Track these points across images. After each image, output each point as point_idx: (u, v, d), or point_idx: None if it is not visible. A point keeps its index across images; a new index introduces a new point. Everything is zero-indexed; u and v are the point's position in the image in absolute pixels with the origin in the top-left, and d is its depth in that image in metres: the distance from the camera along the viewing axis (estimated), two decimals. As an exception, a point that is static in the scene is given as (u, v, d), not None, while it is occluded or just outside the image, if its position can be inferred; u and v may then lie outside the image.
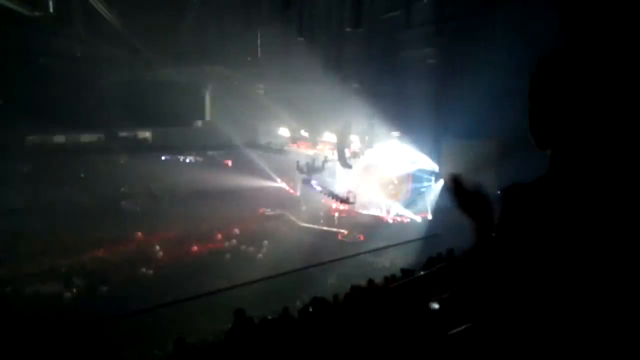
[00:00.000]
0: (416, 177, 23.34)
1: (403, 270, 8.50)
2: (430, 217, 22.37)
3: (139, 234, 22.60)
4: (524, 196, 1.20)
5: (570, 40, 1.16)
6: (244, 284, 13.66)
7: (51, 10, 13.57)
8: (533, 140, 1.27)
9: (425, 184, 23.11)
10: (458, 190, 1.52)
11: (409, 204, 23.56)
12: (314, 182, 23.15)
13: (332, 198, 23.79)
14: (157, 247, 20.98)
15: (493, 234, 1.42)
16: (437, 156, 21.92)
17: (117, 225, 23.60)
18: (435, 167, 22.60)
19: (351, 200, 23.33)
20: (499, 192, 1.32)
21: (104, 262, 19.95)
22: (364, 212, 25.52)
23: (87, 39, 15.03)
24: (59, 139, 25.36)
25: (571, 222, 1.11)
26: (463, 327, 3.08)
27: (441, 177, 22.27)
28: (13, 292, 17.35)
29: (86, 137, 27.51)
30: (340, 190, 23.73)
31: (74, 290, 17.48)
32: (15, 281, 17.98)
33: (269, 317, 8.36)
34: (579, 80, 1.15)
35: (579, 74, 1.15)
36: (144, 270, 19.26)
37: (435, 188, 22.67)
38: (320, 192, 23.66)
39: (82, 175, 26.36)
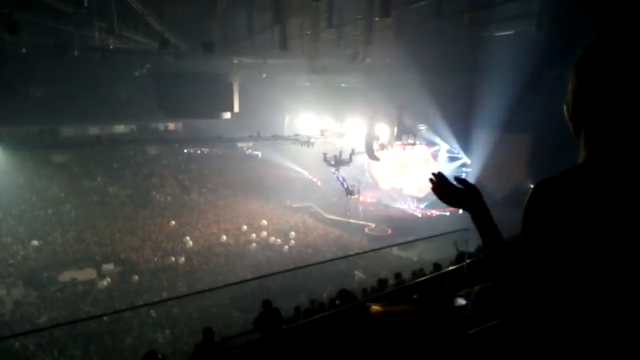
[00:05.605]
0: (446, 168, 22.98)
1: (435, 265, 8.39)
2: (460, 210, 21.99)
3: (172, 223, 22.99)
4: (564, 189, 1.14)
5: (619, 30, 1.12)
6: (270, 274, 13.75)
7: (85, 4, 13.84)
8: (571, 123, 1.24)
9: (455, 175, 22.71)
10: (444, 186, 1.56)
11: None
12: (338, 174, 23.10)
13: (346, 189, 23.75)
14: (188, 237, 21.32)
15: (493, 223, 1.43)
16: (469, 148, 21.55)
17: (148, 214, 24.15)
18: (466, 158, 22.28)
19: (355, 192, 23.47)
20: (530, 185, 1.27)
21: (135, 251, 20.39)
22: (392, 204, 25.32)
23: (119, 32, 15.27)
24: (93, 130, 26.04)
25: (627, 212, 1.06)
26: (491, 323, 3.00)
27: (472, 168, 21.89)
28: (49, 279, 17.94)
29: (119, 129, 28.20)
30: (348, 182, 23.65)
31: (108, 279, 17.95)
32: (51, 268, 18.61)
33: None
34: (630, 66, 1.11)
35: (631, 60, 1.11)
36: (173, 259, 19.61)
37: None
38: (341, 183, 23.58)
39: (115, 165, 27.01)
